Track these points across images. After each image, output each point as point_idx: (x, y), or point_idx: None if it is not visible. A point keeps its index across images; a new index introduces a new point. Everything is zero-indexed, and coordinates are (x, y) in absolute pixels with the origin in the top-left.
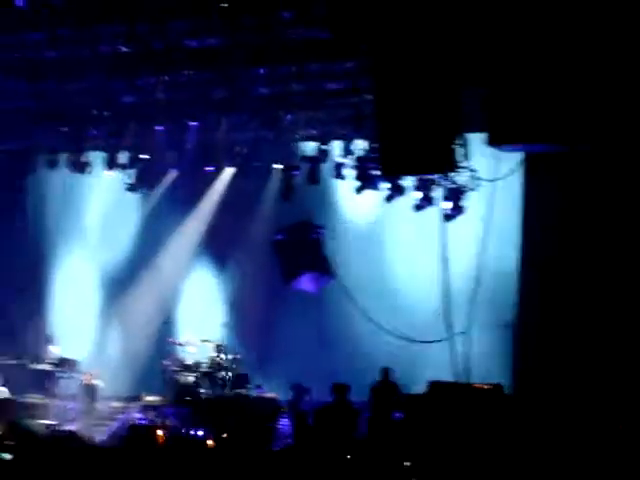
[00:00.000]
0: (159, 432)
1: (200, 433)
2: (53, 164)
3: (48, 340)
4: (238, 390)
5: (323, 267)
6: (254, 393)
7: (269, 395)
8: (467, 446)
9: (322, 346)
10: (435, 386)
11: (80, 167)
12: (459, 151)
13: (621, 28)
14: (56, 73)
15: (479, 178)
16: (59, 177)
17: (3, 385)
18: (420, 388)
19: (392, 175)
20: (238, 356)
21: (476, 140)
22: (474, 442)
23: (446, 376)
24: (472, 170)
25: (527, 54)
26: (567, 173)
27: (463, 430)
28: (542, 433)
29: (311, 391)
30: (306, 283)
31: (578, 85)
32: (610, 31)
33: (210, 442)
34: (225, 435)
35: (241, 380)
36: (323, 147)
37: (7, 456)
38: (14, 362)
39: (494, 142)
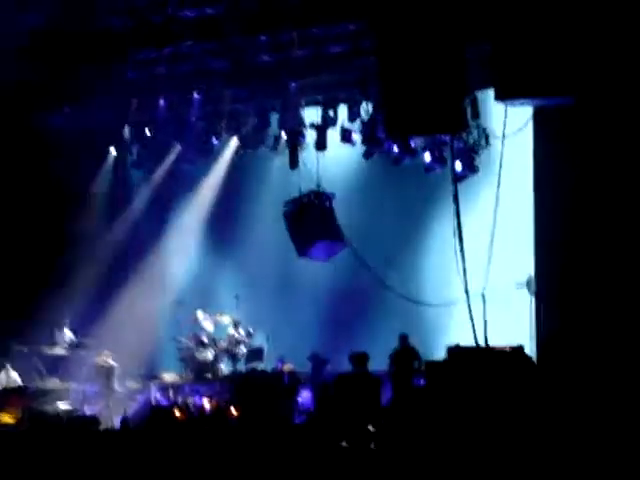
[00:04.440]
0: (177, 412)
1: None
2: None
3: (61, 324)
4: (253, 364)
5: (335, 235)
6: (272, 366)
7: (287, 367)
8: (488, 411)
9: (337, 317)
10: (454, 351)
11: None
12: (468, 109)
13: None
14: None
15: (490, 135)
16: None
17: (14, 371)
18: (440, 353)
19: (398, 136)
20: (251, 330)
21: (487, 97)
22: (495, 406)
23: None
24: (482, 128)
25: (529, 6)
26: (575, 128)
27: (484, 395)
28: (564, 397)
29: (329, 362)
30: (318, 252)
31: (581, 35)
32: None
33: (233, 410)
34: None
35: (256, 354)
36: (330, 113)
37: None
38: (28, 348)
39: (501, 97)
